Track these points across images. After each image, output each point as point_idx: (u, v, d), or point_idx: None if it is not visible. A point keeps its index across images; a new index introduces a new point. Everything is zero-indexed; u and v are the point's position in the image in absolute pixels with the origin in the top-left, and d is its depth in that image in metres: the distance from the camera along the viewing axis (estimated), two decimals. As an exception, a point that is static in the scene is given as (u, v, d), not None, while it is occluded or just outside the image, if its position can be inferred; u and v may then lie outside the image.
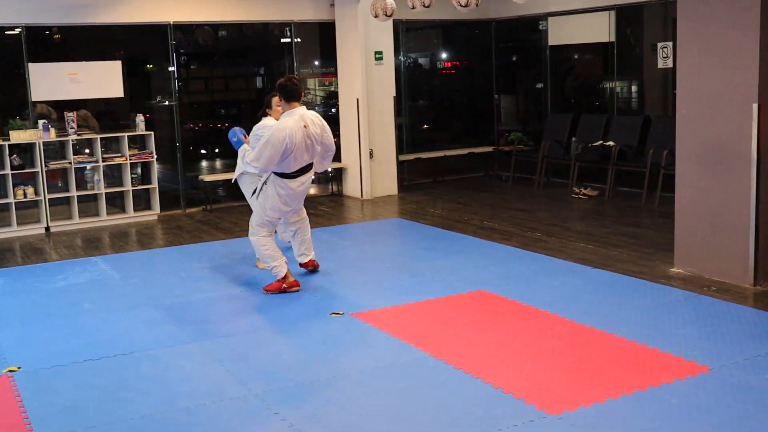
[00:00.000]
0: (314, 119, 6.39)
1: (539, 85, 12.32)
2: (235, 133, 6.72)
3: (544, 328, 5.45)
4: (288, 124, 6.13)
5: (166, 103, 11.16)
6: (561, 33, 11.96)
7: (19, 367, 5.06)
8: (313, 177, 6.63)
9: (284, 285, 6.50)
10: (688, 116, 6.57)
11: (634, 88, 11.58)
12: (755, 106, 6.02)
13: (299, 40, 11.49)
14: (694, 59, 6.45)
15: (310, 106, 12.17)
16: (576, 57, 12.38)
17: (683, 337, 5.18)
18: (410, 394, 4.48)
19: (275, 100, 7.02)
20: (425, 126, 13.14)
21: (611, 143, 10.43)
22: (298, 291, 6.54)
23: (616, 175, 10.40)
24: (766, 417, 4.01)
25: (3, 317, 6.21)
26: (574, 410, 4.15)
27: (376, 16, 10.12)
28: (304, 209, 7.06)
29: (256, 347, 5.34)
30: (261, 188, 6.50)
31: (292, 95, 6.27)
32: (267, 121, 7.01)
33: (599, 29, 11.22)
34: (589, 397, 4.30)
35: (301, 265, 7.13)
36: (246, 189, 7.27)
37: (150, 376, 4.87)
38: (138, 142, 10.19)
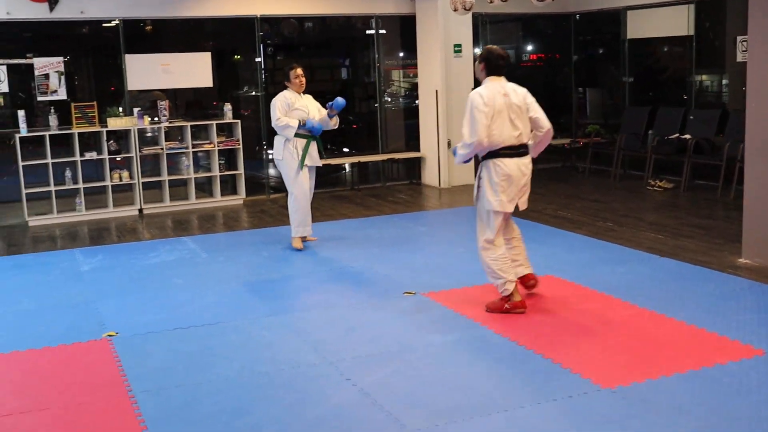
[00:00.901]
0: (516, 89, 5.76)
1: (624, 78, 12.37)
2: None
3: (606, 311, 5.68)
4: (484, 90, 5.63)
5: (252, 93, 11.65)
6: (640, 26, 12.03)
7: (117, 333, 5.54)
8: (531, 167, 5.77)
9: (507, 305, 5.73)
10: (758, 110, 6.68)
11: (713, 82, 11.57)
12: (824, 100, 6.12)
13: (384, 31, 11.84)
14: (765, 53, 6.56)
15: (394, 96, 12.53)
16: (655, 50, 12.40)
17: (742, 322, 5.34)
18: (473, 366, 4.79)
19: (296, 73, 7.61)
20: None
21: (688, 136, 10.49)
22: (523, 313, 5.73)
23: (693, 168, 10.47)
24: (814, 397, 4.19)
25: (102, 289, 6.73)
26: (627, 385, 4.39)
27: (455, 10, 10.42)
28: (516, 227, 6.17)
29: (331, 321, 5.71)
30: (477, 188, 5.82)
31: (494, 68, 5.72)
32: (286, 93, 7.68)
33: (678, 23, 11.26)
34: (643, 374, 4.53)
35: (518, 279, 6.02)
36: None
37: (233, 344, 5.29)
38: (225, 130, 10.69)
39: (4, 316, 6.09)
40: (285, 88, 7.77)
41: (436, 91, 11.25)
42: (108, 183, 10.03)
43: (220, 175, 10.63)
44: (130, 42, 10.38)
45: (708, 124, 10.51)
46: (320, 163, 7.93)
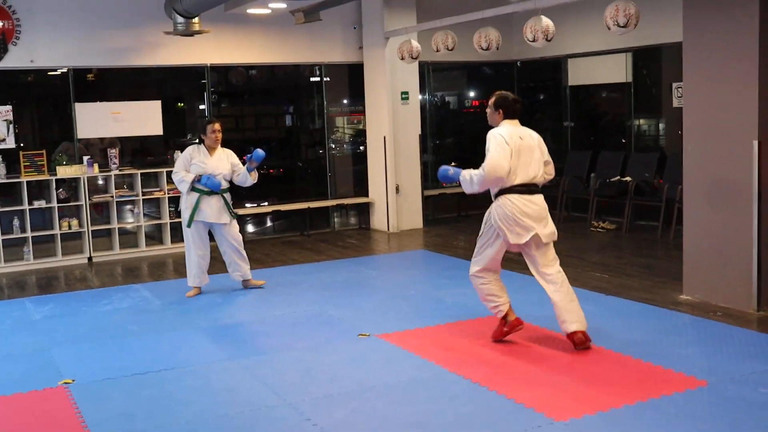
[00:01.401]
0: (531, 133, 6.12)
1: (566, 123, 12.74)
2: (445, 173, 6.69)
3: (556, 348, 5.86)
4: (504, 130, 5.92)
5: (196, 141, 11.71)
6: (580, 74, 12.45)
7: (73, 380, 5.55)
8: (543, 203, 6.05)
9: (505, 328, 6.03)
10: (694, 153, 7.00)
11: (651, 126, 11.98)
12: (755, 143, 6.44)
13: (328, 79, 12.06)
14: (699, 99, 6.90)
15: (338, 143, 12.72)
16: (595, 96, 12.81)
17: (685, 356, 5.56)
18: (430, 404, 4.91)
19: (213, 128, 7.75)
20: (449, 162, 13.57)
21: (628, 179, 10.85)
22: (521, 329, 6.06)
23: (634, 209, 10.81)
24: (755, 426, 4.39)
25: (55, 337, 6.72)
26: (579, 417, 4.55)
27: (402, 59, 10.68)
28: (557, 260, 6.16)
29: (289, 364, 5.79)
30: (485, 223, 6.10)
31: (512, 112, 6.04)
32: (192, 148, 7.85)
33: (617, 70, 11.69)
34: (593, 406, 4.70)
35: (567, 336, 5.89)
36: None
37: (193, 388, 5.33)
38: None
39: (-44, 366, 6.05)
40: (201, 141, 7.90)
41: (384, 137, 11.47)
42: (57, 231, 10.00)
43: (170, 222, 10.66)
44: (79, 90, 10.42)
45: (647, 166, 10.89)
46: (227, 220, 7.83)
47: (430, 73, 12.82)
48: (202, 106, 11.36)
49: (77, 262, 10.09)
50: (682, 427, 4.40)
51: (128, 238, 10.59)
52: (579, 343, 5.77)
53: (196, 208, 7.75)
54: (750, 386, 4.95)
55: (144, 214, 10.48)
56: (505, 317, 6.05)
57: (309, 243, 10.96)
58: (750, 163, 6.51)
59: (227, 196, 7.90)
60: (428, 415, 4.72)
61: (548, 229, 6.01)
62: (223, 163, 7.87)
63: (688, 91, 7.02)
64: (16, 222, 9.79)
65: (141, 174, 10.37)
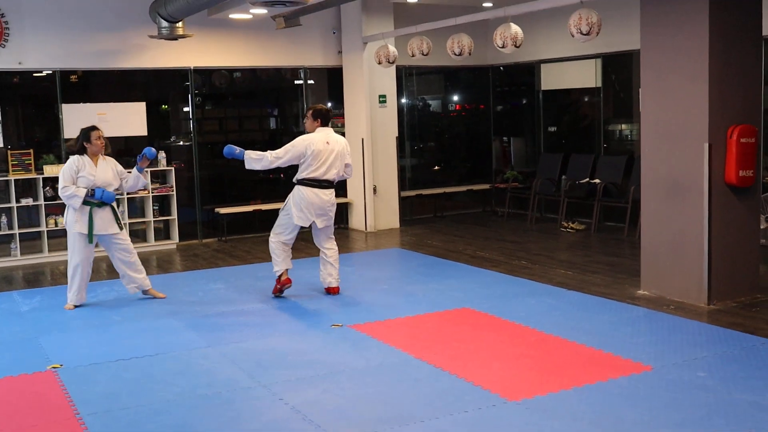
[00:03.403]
0: (339, 140, 7.69)
1: (539, 127, 13.16)
2: (231, 149, 7.62)
3: (515, 337, 6.25)
4: (312, 137, 7.55)
5: (181, 143, 12.09)
6: (552, 78, 12.87)
7: (61, 365, 5.89)
8: (334, 200, 7.73)
9: (278, 285, 7.77)
10: (650, 154, 7.41)
11: (619, 130, 12.41)
12: (706, 146, 6.86)
13: (312, 82, 12.44)
14: (655, 104, 7.32)
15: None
16: (567, 101, 13.23)
17: (635, 344, 5.96)
18: (395, 386, 5.29)
19: (99, 135, 7.59)
20: (426, 164, 14.00)
21: (597, 181, 11.26)
22: (289, 287, 7.80)
23: (602, 210, 11.23)
24: (690, 405, 4.78)
25: (43, 326, 7.06)
26: (531, 398, 4.94)
27: (379, 63, 11.06)
28: (334, 241, 7.97)
29: (265, 351, 6.15)
30: (286, 203, 7.75)
31: (325, 119, 7.70)
32: (75, 159, 7.51)
33: (587, 75, 12.12)
34: (544, 388, 5.09)
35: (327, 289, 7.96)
36: None
37: (173, 372, 5.69)
38: (159, 177, 11.07)
39: (-51, 352, 6.38)
40: (83, 150, 7.58)
41: (362, 139, 11.84)
42: (44, 228, 10.31)
43: (154, 221, 10.99)
44: (66, 92, 10.75)
45: (615, 169, 11.31)
46: (116, 230, 7.69)
47: (411, 77, 13.21)
48: (186, 108, 11.72)
49: (63, 258, 10.38)
50: (624, 405, 4.79)
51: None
52: (333, 292, 7.86)
53: (92, 222, 7.51)
54: (690, 370, 5.35)
55: (128, 213, 10.80)
56: (279, 277, 7.72)
57: (289, 241, 11.29)
58: (701, 164, 6.92)
59: (115, 205, 7.73)
60: (393, 396, 5.09)
61: (325, 217, 7.69)
62: (109, 173, 7.61)
63: (645, 96, 7.44)
64: (3, 219, 10.10)
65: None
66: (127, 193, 10.62)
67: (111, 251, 7.82)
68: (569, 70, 12.55)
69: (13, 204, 10.11)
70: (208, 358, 5.98)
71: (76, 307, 7.71)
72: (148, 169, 10.77)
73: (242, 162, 7.69)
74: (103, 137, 7.66)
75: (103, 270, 9.63)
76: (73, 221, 7.56)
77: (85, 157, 7.57)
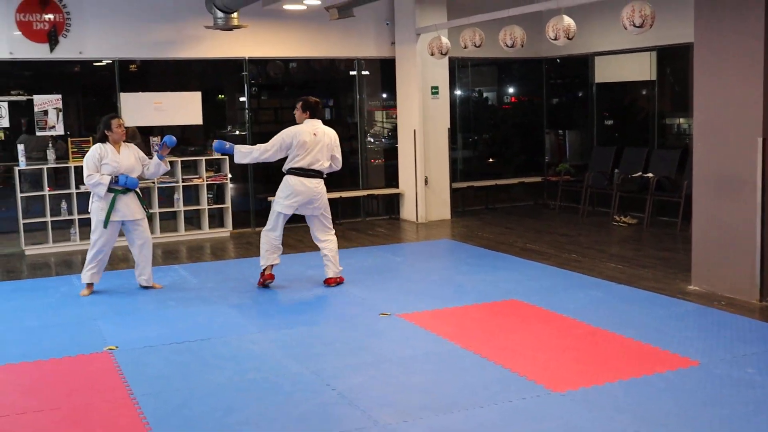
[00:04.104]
0: (327, 131, 7.82)
1: (593, 120, 13.08)
2: (221, 144, 7.79)
3: (562, 330, 6.27)
4: (300, 128, 7.72)
5: (236, 132, 12.27)
6: (607, 71, 12.78)
7: (116, 347, 6.06)
8: (323, 189, 7.82)
9: (261, 279, 7.93)
10: (703, 149, 7.34)
11: (674, 123, 12.27)
12: (760, 140, 6.78)
13: (367, 73, 12.52)
14: (708, 97, 7.25)
15: (377, 137, 13.16)
16: (621, 94, 13.12)
17: (683, 339, 5.94)
18: (441, 374, 5.35)
19: (119, 123, 7.71)
20: (478, 156, 14.00)
21: (650, 175, 11.16)
22: (270, 283, 7.92)
23: (655, 204, 11.13)
24: (737, 401, 4.76)
25: (100, 309, 7.27)
26: (576, 390, 4.96)
27: (432, 54, 11.09)
28: (332, 232, 8.02)
29: (313, 337, 6.26)
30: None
31: (313, 110, 7.83)
32: (98, 147, 7.65)
33: (642, 68, 12.00)
34: (590, 380, 5.10)
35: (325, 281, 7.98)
36: None
37: (224, 356, 5.83)
38: (214, 166, 11.26)
39: (11, 332, 6.61)
40: (105, 138, 7.71)
41: (414, 130, 11.89)
42: (101, 214, 10.54)
43: (208, 209, 11.19)
44: (124, 81, 10.98)
45: (669, 163, 11.18)
46: (141, 215, 7.86)
47: (463, 69, 13.21)
48: (242, 98, 11.88)
49: (120, 244, 10.58)
50: (669, 400, 4.79)
51: (168, 223, 11.12)
52: (329, 284, 7.90)
53: (111, 208, 7.63)
54: (739, 366, 5.31)
55: (183, 200, 11.00)
56: (264, 271, 7.87)
57: (340, 231, 11.36)
58: (755, 158, 6.85)
59: (139, 191, 7.88)
60: (438, 384, 5.16)
61: (312, 206, 7.78)
62: (131, 159, 7.76)
63: (698, 90, 7.36)
64: (64, 205, 10.36)
65: (181, 162, 10.90)
66: (183, 180, 10.84)
67: (132, 238, 7.95)
68: (624, 62, 12.44)
69: (73, 190, 10.37)
70: (257, 344, 6.10)
71: (92, 293, 7.86)
72: (205, 157, 10.98)
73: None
74: (124, 125, 7.82)
75: (159, 256, 9.82)
76: (98, 208, 7.70)
77: (108, 145, 7.69)
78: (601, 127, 13.10)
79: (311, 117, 7.79)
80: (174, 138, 7.96)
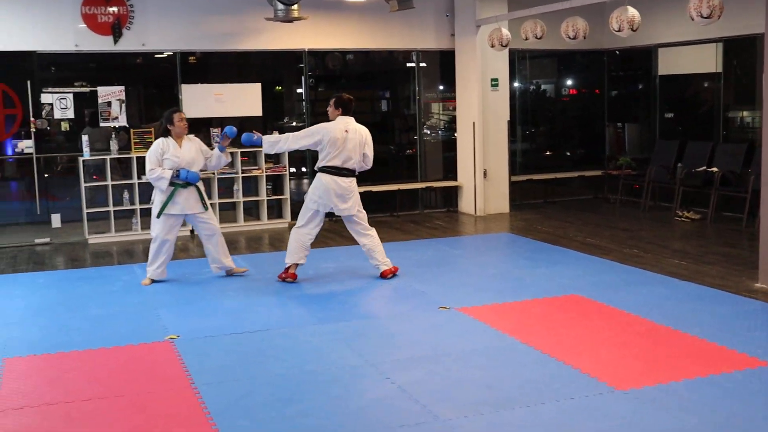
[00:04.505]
0: (359, 129, 7.75)
1: (655, 113, 12.86)
2: (249, 136, 7.75)
3: (624, 326, 6.16)
4: (331, 125, 7.67)
5: (293, 123, 12.32)
6: (670, 63, 12.53)
7: (178, 336, 6.13)
8: (353, 187, 7.78)
9: (283, 274, 7.86)
10: (772, 143, 7.15)
11: (740, 117, 12.00)
12: (833, 135, 6.58)
13: (424, 64, 12.47)
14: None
15: (433, 128, 13.11)
16: (685, 86, 12.87)
17: (751, 338, 5.79)
18: (500, 370, 5.30)
19: (181, 117, 7.76)
20: (538, 149, 13.86)
21: (715, 169, 10.92)
22: (292, 281, 7.84)
23: (720, 199, 10.89)
24: (809, 401, 4.64)
25: (161, 299, 7.36)
26: (639, 388, 4.87)
27: (492, 46, 11.00)
28: (370, 230, 7.94)
29: (373, 330, 6.26)
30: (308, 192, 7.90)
31: (346, 108, 7.77)
32: (161, 141, 7.73)
33: (707, 60, 11.75)
34: (654, 379, 5.01)
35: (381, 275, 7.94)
36: None
37: (283, 347, 5.85)
38: (273, 157, 11.31)
39: (76, 319, 6.73)
40: (167, 132, 7.79)
41: (474, 122, 11.81)
42: (162, 204, 10.67)
43: (267, 200, 11.25)
44: (186, 72, 11.09)
45: (735, 157, 10.93)
46: (200, 209, 7.88)
47: (523, 61, 13.08)
48: (299, 90, 11.92)
49: (180, 234, 10.70)
50: (736, 401, 4.67)
51: (227, 213, 11.21)
52: (384, 276, 7.87)
53: (169, 200, 7.70)
54: (809, 367, 5.17)
55: (242, 191, 11.08)
56: (288, 268, 7.84)
57: (398, 223, 11.41)
58: (827, 154, 6.65)
59: (200, 185, 7.90)
60: (498, 380, 5.11)
61: (345, 205, 7.72)
62: (193, 153, 7.81)
63: (767, 82, 7.17)
64: (126, 195, 10.52)
65: (241, 153, 10.97)
66: (242, 172, 10.93)
67: (197, 230, 8.08)
68: (688, 54, 12.20)
69: (135, 180, 10.51)
70: (316, 335, 6.12)
71: (153, 282, 7.95)
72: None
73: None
74: (185, 119, 7.84)
75: (218, 246, 9.90)
76: (159, 201, 7.79)
77: (170, 140, 7.76)
78: (663, 120, 12.86)
79: (343, 114, 7.74)
80: (234, 128, 7.98)
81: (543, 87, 14.00)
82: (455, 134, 12.56)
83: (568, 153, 14.06)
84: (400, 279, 7.89)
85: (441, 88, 13.12)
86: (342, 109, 7.75)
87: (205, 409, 4.70)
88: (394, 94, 13.45)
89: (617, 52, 13.42)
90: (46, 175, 10.93)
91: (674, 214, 11.21)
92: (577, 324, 6.27)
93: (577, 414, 4.56)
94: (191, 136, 8.03)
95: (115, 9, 10.50)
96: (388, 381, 5.10)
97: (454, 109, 12.45)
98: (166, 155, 7.70)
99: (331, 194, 7.65)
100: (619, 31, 8.45)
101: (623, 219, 11.29)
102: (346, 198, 7.70)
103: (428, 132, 12.99)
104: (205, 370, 5.35)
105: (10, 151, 10.59)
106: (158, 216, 7.77)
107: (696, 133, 12.26)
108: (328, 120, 7.86)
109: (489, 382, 5.07)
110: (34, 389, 5.10)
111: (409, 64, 12.55)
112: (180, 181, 7.73)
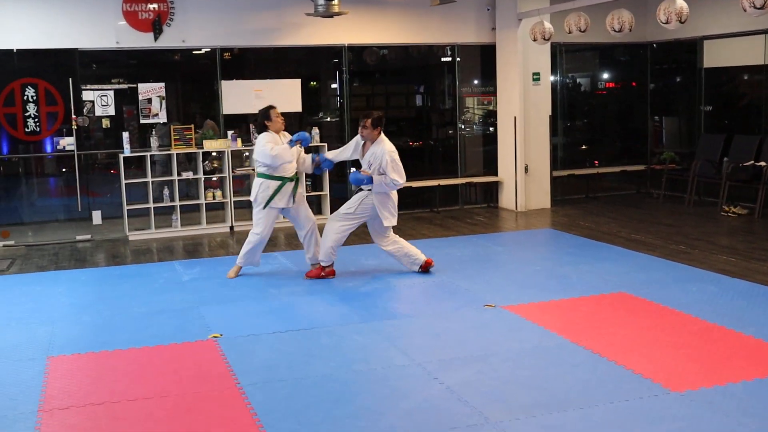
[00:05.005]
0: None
1: (701, 107, 12.62)
2: (358, 176, 7.69)
3: (676, 325, 6.01)
4: (390, 146, 7.60)
5: (328, 119, 12.25)
6: (716, 56, 12.28)
7: (221, 334, 6.08)
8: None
9: (322, 273, 7.84)
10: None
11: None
12: None
13: (460, 59, 12.33)
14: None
15: (468, 123, 12.97)
16: (731, 79, 12.61)
17: (809, 338, 5.62)
18: (551, 370, 5.18)
19: (277, 113, 7.88)
20: (579, 144, 13.66)
21: (763, 163, 10.68)
22: (332, 277, 7.85)
23: None
24: None
25: (203, 296, 7.31)
26: (696, 390, 4.73)
27: (534, 40, 10.84)
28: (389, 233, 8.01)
29: (418, 329, 6.16)
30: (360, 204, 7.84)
31: (383, 128, 7.70)
32: (268, 135, 7.76)
33: (754, 52, 11.49)
34: (710, 380, 4.86)
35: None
36: None
37: (329, 347, 5.78)
38: (311, 152, 11.23)
39: (119, 318, 6.70)
40: (265, 128, 7.86)
41: (515, 117, 11.66)
42: (202, 201, 10.67)
43: (307, 196, 11.17)
44: (225, 68, 11.06)
45: (784, 151, 10.70)
46: (291, 203, 7.88)
47: (563, 55, 12.89)
48: (333, 85, 11.83)
49: (220, 231, 10.75)
50: (798, 403, 4.53)
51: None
52: (426, 269, 7.90)
53: (276, 192, 7.74)
54: None
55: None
56: (326, 267, 7.84)
57: (438, 219, 11.30)
58: None
59: (303, 180, 8.04)
60: (549, 381, 4.99)
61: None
62: (292, 149, 7.87)
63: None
64: (166, 191, 10.52)
65: (280, 149, 10.90)
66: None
67: (294, 222, 8.10)
68: (734, 46, 11.93)
69: (175, 177, 10.50)
70: (361, 334, 6.04)
71: (240, 269, 8.01)
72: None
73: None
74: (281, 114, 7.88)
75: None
76: (262, 193, 7.78)
77: (273, 134, 7.81)
78: (708, 114, 12.61)
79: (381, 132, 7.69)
80: (308, 136, 7.98)
81: (585, 81, 13.78)
82: (490, 129, 12.41)
83: (610, 147, 13.85)
84: (443, 276, 7.79)
85: (479, 82, 12.96)
86: (381, 128, 7.69)
87: (252, 410, 4.63)
88: (430, 88, 13.32)
89: (661, 44, 13.17)
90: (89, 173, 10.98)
91: (720, 210, 10.98)
92: (627, 322, 6.13)
93: (632, 416, 4.43)
94: (286, 134, 8.03)
95: (155, 6, 10.50)
96: (436, 381, 5.01)
97: (490, 103, 12.30)
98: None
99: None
100: (666, 23, 8.28)
101: (667, 214, 11.09)
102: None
103: (464, 126, 12.84)
104: (249, 370, 5.29)
105: (50, 149, 10.63)
106: (264, 207, 7.77)
107: (742, 126, 12.00)
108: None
109: (539, 383, 4.96)
110: (80, 389, 5.08)
111: (443, 59, 12.41)
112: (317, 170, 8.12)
